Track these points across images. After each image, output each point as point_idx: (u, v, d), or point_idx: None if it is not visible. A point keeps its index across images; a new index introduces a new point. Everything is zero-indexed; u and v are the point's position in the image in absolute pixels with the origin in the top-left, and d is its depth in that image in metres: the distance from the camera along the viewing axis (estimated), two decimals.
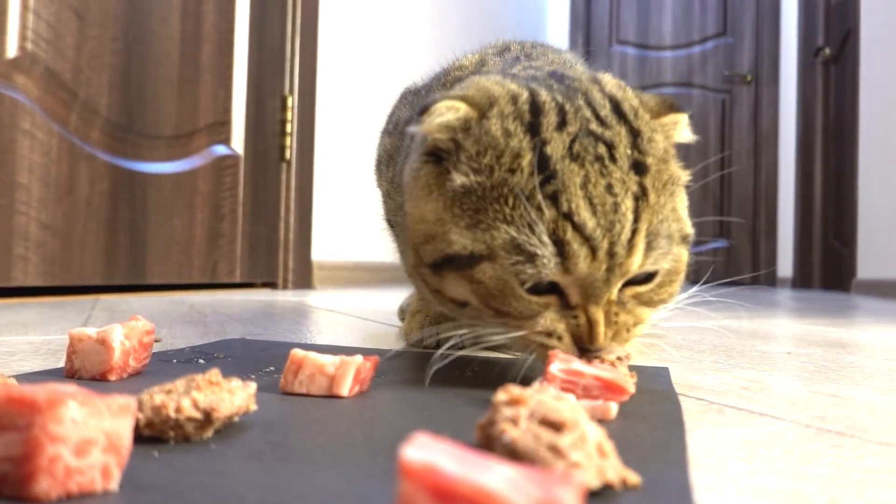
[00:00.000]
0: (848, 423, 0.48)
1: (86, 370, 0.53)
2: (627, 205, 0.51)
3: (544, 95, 0.55)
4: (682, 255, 0.56)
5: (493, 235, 0.51)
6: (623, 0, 4.51)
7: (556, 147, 0.52)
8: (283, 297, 1.73)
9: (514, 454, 0.30)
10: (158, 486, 0.29)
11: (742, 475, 0.35)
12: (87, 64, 1.54)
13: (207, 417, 0.36)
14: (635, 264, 0.51)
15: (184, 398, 0.36)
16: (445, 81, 0.75)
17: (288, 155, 2.17)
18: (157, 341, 0.72)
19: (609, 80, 0.60)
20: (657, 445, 0.38)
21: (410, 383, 0.55)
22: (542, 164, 0.51)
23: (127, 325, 0.54)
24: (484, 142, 0.53)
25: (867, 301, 2.44)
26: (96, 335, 0.53)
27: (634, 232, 0.51)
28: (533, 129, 0.53)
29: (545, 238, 0.50)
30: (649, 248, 0.52)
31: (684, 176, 0.58)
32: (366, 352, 0.70)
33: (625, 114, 0.55)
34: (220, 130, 1.94)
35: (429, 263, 0.56)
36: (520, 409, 0.33)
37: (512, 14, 3.96)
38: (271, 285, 2.15)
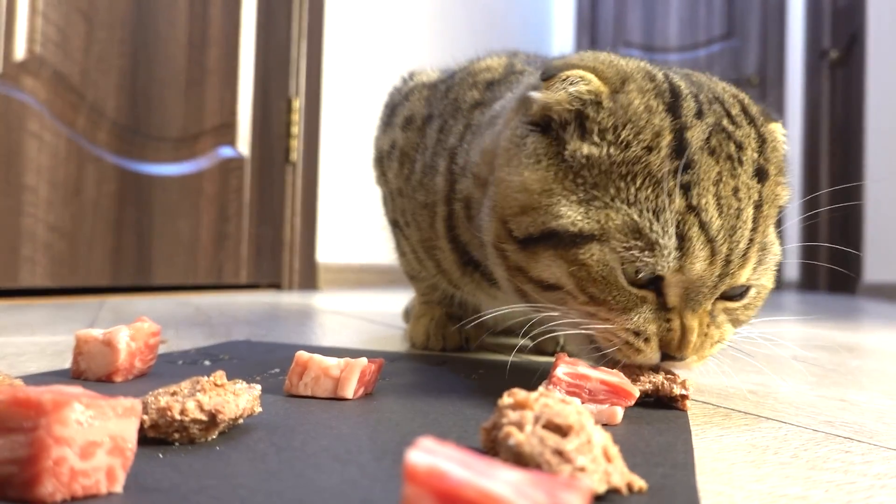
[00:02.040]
0: (856, 428, 0.48)
1: (92, 371, 0.53)
2: (749, 213, 0.48)
3: (677, 80, 0.52)
4: (771, 279, 0.53)
5: (609, 216, 0.48)
6: (628, 1, 4.51)
7: (695, 135, 0.48)
8: (289, 299, 1.73)
9: (519, 458, 0.30)
10: (163, 488, 0.29)
11: (749, 480, 0.35)
12: (95, 66, 1.55)
13: (212, 419, 0.36)
14: (745, 276, 0.49)
15: (189, 400, 0.36)
16: (475, 82, 0.72)
17: (293, 157, 2.17)
18: (162, 342, 0.72)
19: (725, 83, 0.57)
20: (663, 450, 0.38)
21: (415, 386, 0.55)
22: (681, 148, 0.48)
23: (133, 327, 0.54)
24: (622, 115, 0.49)
25: (874, 304, 2.42)
26: (102, 337, 0.53)
27: (751, 242, 0.48)
28: (674, 110, 0.49)
29: (670, 228, 0.46)
30: (759, 261, 0.50)
31: (786, 195, 0.54)
32: (370, 354, 0.70)
33: (753, 117, 0.52)
34: (226, 132, 1.95)
35: (520, 237, 0.51)
36: (525, 412, 0.33)
37: (518, 16, 3.96)
38: (276, 287, 2.15)
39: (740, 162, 0.49)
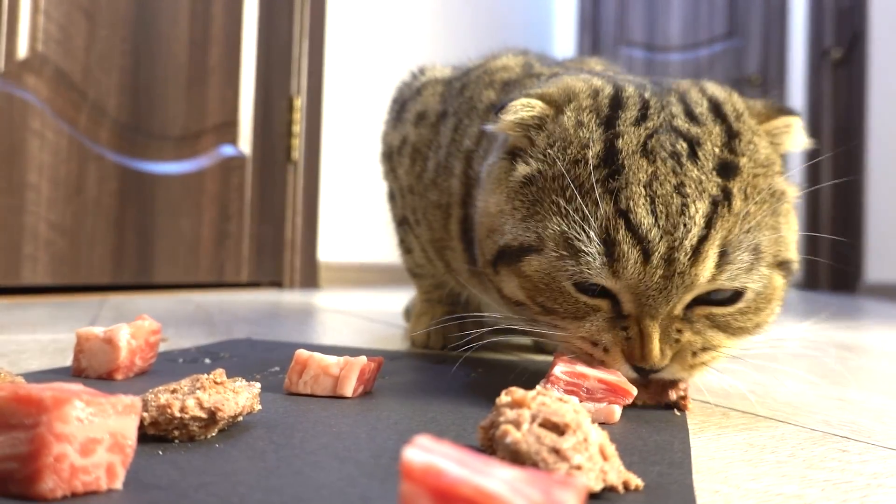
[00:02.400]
0: (853, 428, 0.48)
1: (93, 369, 0.53)
2: (698, 207, 0.46)
3: (630, 91, 0.53)
4: (775, 280, 0.49)
5: (545, 226, 0.49)
6: (630, 1, 4.50)
7: (628, 141, 0.48)
8: (289, 297, 1.73)
9: (516, 456, 0.30)
10: (163, 485, 0.29)
11: (746, 479, 0.35)
12: (97, 65, 1.55)
13: (212, 417, 0.36)
14: (702, 276, 0.46)
15: (189, 398, 0.36)
16: (492, 81, 0.72)
17: (295, 156, 2.18)
18: (163, 341, 0.72)
19: (713, 86, 0.56)
20: (660, 448, 0.38)
21: (414, 384, 0.55)
22: (611, 158, 0.48)
23: (133, 325, 0.55)
24: (555, 134, 0.51)
25: (875, 304, 2.42)
26: (103, 334, 0.53)
27: (704, 238, 0.45)
28: (608, 122, 0.50)
29: (593, 235, 0.46)
30: (724, 260, 0.46)
31: (793, 191, 0.52)
32: (370, 352, 0.70)
33: (725, 114, 0.51)
34: (228, 131, 1.95)
35: (489, 260, 0.54)
36: (522, 411, 0.33)
37: (520, 15, 3.96)
38: (277, 285, 2.15)
39: (692, 157, 0.48)
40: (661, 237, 0.45)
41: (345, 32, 2.35)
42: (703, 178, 0.47)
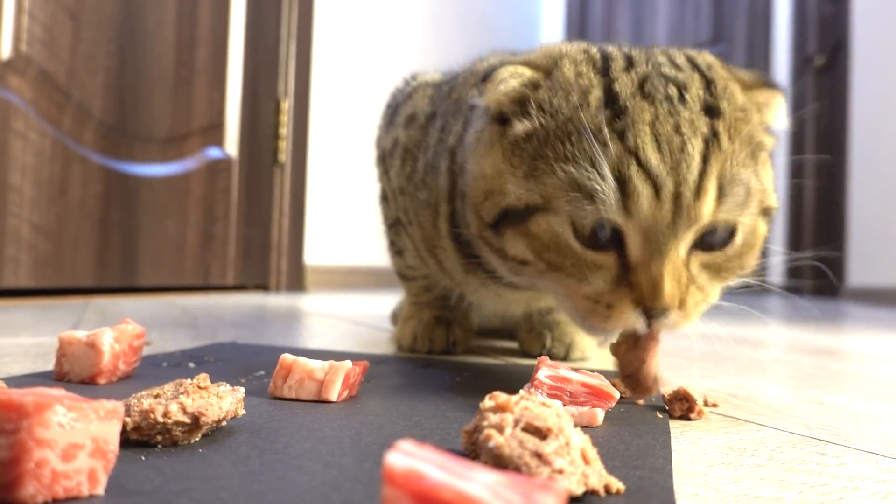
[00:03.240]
0: (832, 431, 0.48)
1: (75, 373, 0.53)
2: (695, 145, 0.47)
3: (615, 49, 0.55)
4: (760, 226, 0.52)
5: (548, 182, 0.49)
6: (617, 6, 4.54)
7: (624, 84, 0.50)
8: (276, 301, 1.73)
9: (498, 460, 0.31)
10: (145, 490, 0.29)
11: (725, 482, 0.35)
12: (82, 66, 1.54)
13: (195, 422, 0.36)
14: (706, 210, 0.47)
15: (172, 403, 0.36)
16: (477, 82, 0.73)
17: (282, 158, 2.17)
18: (147, 344, 0.72)
19: (695, 52, 0.58)
20: (642, 452, 0.38)
21: (400, 388, 0.55)
22: (611, 100, 0.50)
23: (117, 329, 0.54)
24: (556, 87, 0.52)
25: (857, 308, 2.45)
26: (86, 338, 0.53)
27: (703, 174, 0.47)
28: (604, 71, 0.52)
29: (606, 172, 0.47)
30: (722, 193, 0.48)
31: (770, 142, 0.54)
32: (356, 356, 0.70)
33: (699, 65, 0.54)
34: (214, 133, 1.94)
35: (490, 223, 0.55)
36: (505, 415, 0.33)
37: (508, 19, 3.98)
38: (264, 288, 2.14)
39: (682, 100, 0.49)
40: (668, 173, 0.47)
41: (333, 34, 2.35)
42: (694, 118, 0.49)
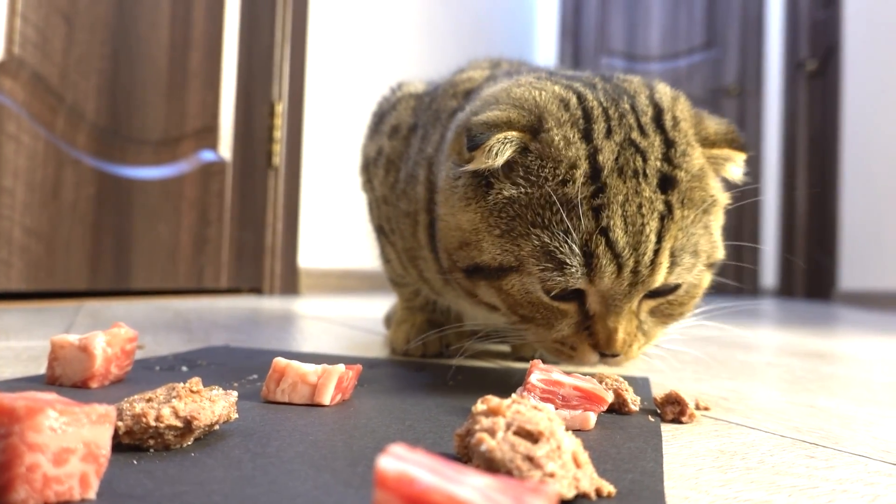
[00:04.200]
0: (822, 434, 0.49)
1: (67, 377, 0.53)
2: (652, 226, 0.52)
3: (590, 98, 0.56)
4: (705, 278, 0.58)
5: (522, 245, 0.53)
6: (611, 11, 4.56)
7: (606, 157, 0.53)
8: (269, 304, 1.72)
9: (490, 464, 0.31)
10: (137, 494, 0.29)
11: (715, 485, 0.36)
12: (75, 68, 1.54)
13: (188, 426, 0.36)
14: (658, 279, 0.53)
15: (164, 407, 0.36)
16: (455, 93, 0.74)
17: (276, 161, 2.17)
18: (139, 348, 0.71)
19: (662, 88, 0.60)
20: (634, 455, 0.39)
21: (393, 392, 0.55)
22: (595, 174, 0.52)
23: (109, 333, 0.54)
24: (544, 154, 0.53)
25: (848, 311, 2.47)
26: (78, 342, 0.53)
27: (657, 252, 0.52)
28: (587, 135, 0.53)
29: (576, 248, 0.51)
30: (673, 264, 0.53)
31: (723, 198, 0.58)
32: (350, 360, 0.70)
33: (663, 124, 0.56)
34: (208, 136, 1.94)
35: (462, 268, 0.58)
36: (497, 419, 0.33)
37: (502, 24, 3.99)
38: (257, 291, 2.14)
39: (644, 175, 0.53)
40: (630, 253, 0.52)
41: (327, 38, 2.36)
42: (652, 196, 0.53)
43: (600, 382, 0.51)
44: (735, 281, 4.13)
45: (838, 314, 2.27)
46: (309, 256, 2.30)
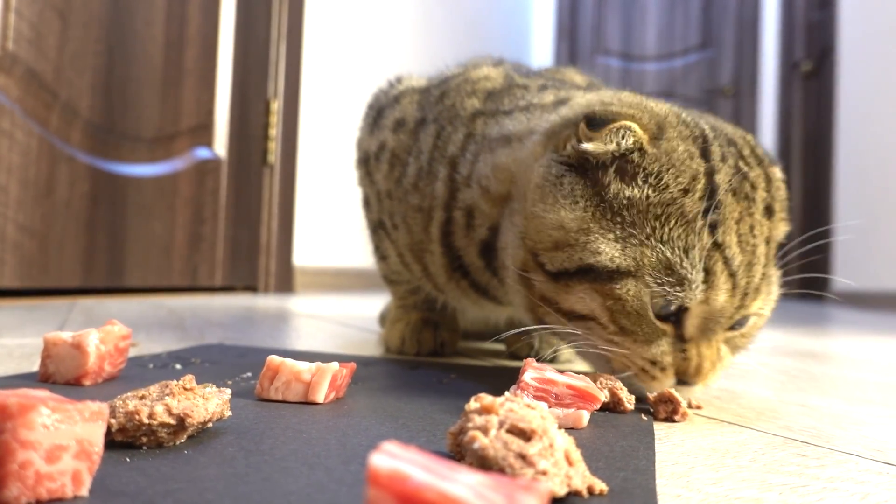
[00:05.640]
0: (813, 433, 0.49)
1: (60, 375, 0.52)
2: (762, 249, 0.53)
3: (701, 123, 0.57)
4: (770, 309, 0.58)
5: (645, 252, 0.51)
6: (607, 11, 4.56)
7: (722, 177, 0.53)
8: (264, 302, 1.72)
9: (483, 462, 0.31)
10: (129, 492, 0.29)
11: (707, 483, 0.36)
12: (69, 65, 1.53)
13: (181, 423, 0.36)
14: (756, 307, 0.54)
15: (157, 404, 0.36)
16: (474, 90, 0.73)
17: (271, 159, 2.16)
18: (133, 346, 0.71)
19: (731, 126, 0.61)
20: (626, 454, 0.39)
21: (387, 390, 0.55)
22: (711, 192, 0.52)
23: (103, 330, 0.54)
24: (666, 161, 0.53)
25: (842, 312, 2.48)
26: (71, 339, 0.53)
27: (764, 276, 0.53)
28: (705, 155, 0.54)
29: (698, 264, 0.51)
30: (767, 293, 0.54)
31: (785, 229, 0.58)
32: (344, 358, 0.70)
33: (761, 158, 0.58)
34: (203, 133, 1.94)
35: (553, 271, 0.54)
36: (490, 417, 0.33)
37: (498, 22, 3.99)
38: (252, 289, 2.13)
39: (754, 201, 0.54)
40: (744, 273, 0.52)
41: (323, 36, 2.35)
42: (762, 220, 0.54)
43: (594, 381, 0.51)
44: None
45: (831, 314, 2.28)
46: (304, 254, 2.29)
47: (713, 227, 0.51)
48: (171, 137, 1.83)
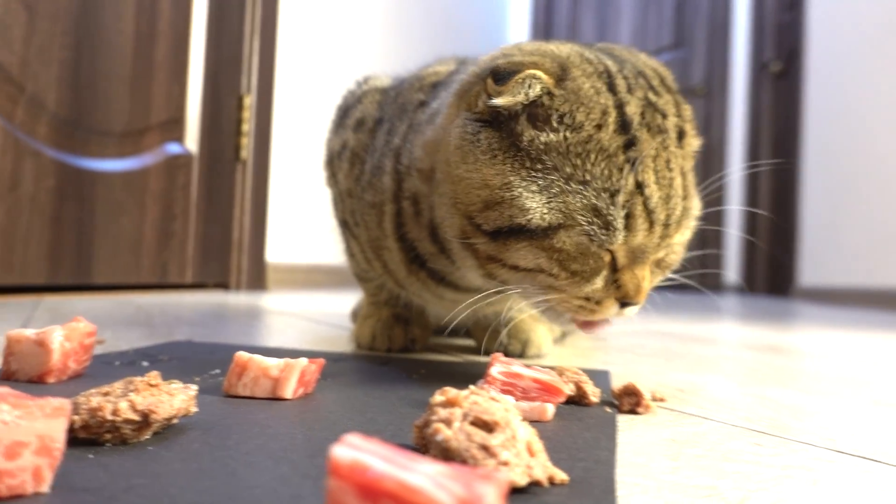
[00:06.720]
0: (770, 423, 0.51)
1: (23, 372, 0.52)
2: (679, 181, 0.54)
3: (603, 58, 0.57)
4: (691, 231, 0.60)
5: (568, 201, 0.52)
6: (583, 10, 4.60)
7: (633, 110, 0.53)
8: (236, 299, 1.71)
9: (446, 453, 0.31)
10: (92, 488, 0.29)
11: (665, 472, 0.37)
12: (36, 57, 1.50)
13: (145, 420, 0.36)
14: (680, 235, 0.56)
15: (121, 400, 0.36)
16: (422, 86, 0.74)
17: (244, 155, 2.14)
18: (99, 343, 0.70)
19: (645, 56, 0.62)
20: (588, 445, 0.40)
21: (356, 385, 0.56)
22: (625, 125, 0.53)
23: (67, 327, 0.53)
24: (575, 99, 0.53)
25: (807, 307, 2.54)
26: (35, 336, 0.52)
27: (684, 209, 0.55)
28: (611, 88, 0.54)
29: (619, 208, 0.52)
30: (687, 218, 0.56)
31: (697, 143, 0.59)
32: (314, 354, 0.70)
33: (669, 86, 0.58)
34: (174, 128, 1.91)
35: (490, 230, 0.55)
36: (454, 409, 0.34)
37: (474, 20, 3.99)
38: (224, 287, 2.11)
39: (667, 132, 0.54)
40: (662, 209, 0.53)
41: (297, 31, 2.33)
42: (676, 151, 0.54)
43: (560, 375, 0.52)
44: (698, 278, 4.21)
45: (796, 310, 2.33)
46: (277, 251, 2.28)
47: (632, 164, 0.52)
48: (141, 132, 1.80)
